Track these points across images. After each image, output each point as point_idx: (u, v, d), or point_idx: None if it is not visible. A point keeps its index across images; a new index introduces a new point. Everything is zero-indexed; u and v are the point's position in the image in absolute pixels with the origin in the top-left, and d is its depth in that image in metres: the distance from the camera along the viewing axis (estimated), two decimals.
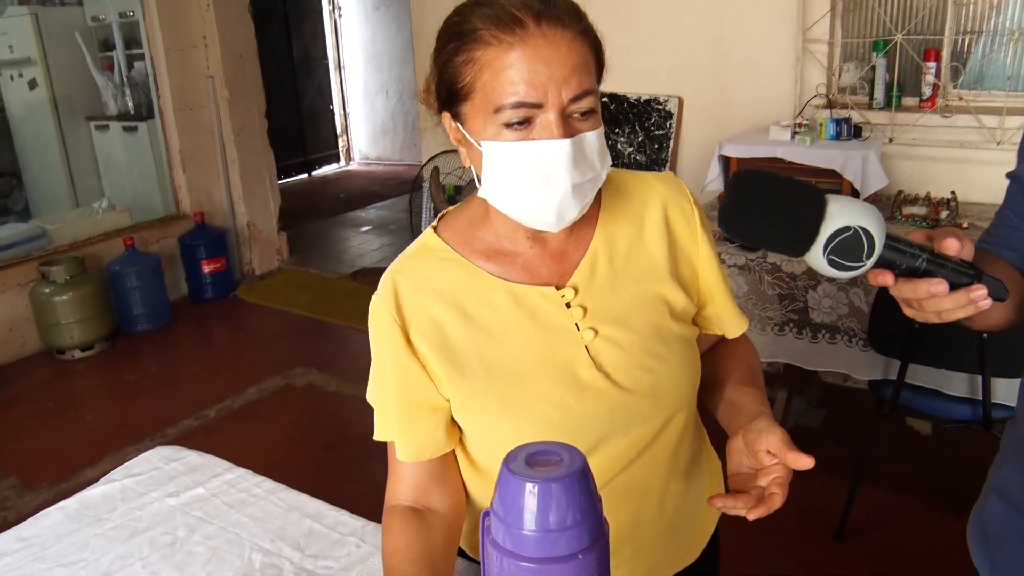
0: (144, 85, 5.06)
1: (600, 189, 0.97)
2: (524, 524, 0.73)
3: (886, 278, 0.77)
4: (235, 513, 1.41)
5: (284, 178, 5.74)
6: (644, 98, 3.93)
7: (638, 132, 3.98)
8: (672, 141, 3.93)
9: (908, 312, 0.81)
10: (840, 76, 3.38)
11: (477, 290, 1.02)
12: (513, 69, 0.87)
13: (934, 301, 0.76)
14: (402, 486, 1.07)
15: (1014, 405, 2.34)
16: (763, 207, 0.77)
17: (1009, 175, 1.06)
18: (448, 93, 0.94)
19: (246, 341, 4.66)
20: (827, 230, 0.75)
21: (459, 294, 1.02)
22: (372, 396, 1.08)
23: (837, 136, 3.06)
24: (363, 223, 6.80)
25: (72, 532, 1.40)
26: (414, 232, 3.83)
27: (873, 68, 3.26)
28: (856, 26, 3.36)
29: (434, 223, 1.09)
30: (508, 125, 0.89)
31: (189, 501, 1.46)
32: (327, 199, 7.67)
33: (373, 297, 1.03)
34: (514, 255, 1.02)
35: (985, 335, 2.19)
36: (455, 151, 3.38)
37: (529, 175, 0.90)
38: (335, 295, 5.12)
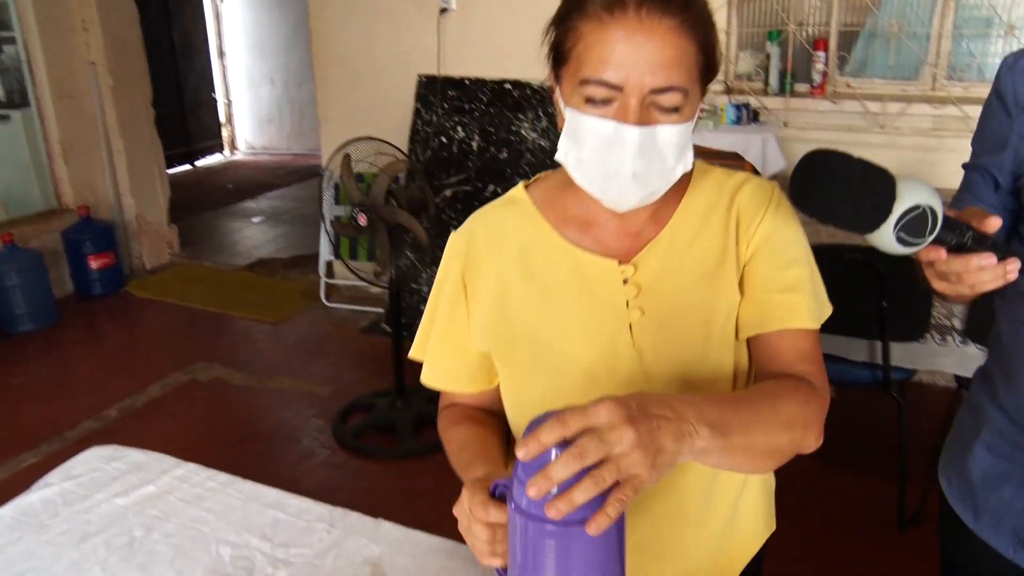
0: (16, 70, 4.74)
1: (688, 179, 0.98)
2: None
3: (940, 253, 0.82)
4: (193, 509, 1.37)
5: (167, 168, 5.51)
6: (548, 84, 3.99)
7: (542, 118, 4.03)
8: None
9: (939, 286, 0.87)
10: (737, 63, 3.53)
11: (545, 250, 1.05)
12: (604, 47, 0.88)
13: (976, 274, 0.82)
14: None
15: (909, 367, 2.54)
16: (840, 186, 0.81)
17: (965, 165, 1.14)
18: (554, 53, 0.97)
19: (142, 337, 4.48)
20: (899, 208, 0.80)
21: (528, 249, 1.06)
22: (423, 318, 1.16)
23: (737, 120, 3.21)
24: (254, 213, 6.61)
25: (14, 542, 1.33)
26: (323, 219, 3.77)
27: (768, 56, 3.42)
28: (751, 16, 3.52)
29: (527, 181, 1.12)
30: (589, 99, 0.91)
31: (140, 500, 1.41)
32: (215, 190, 7.41)
33: (453, 233, 1.12)
34: (591, 224, 1.05)
35: (885, 304, 2.35)
36: (366, 138, 3.31)
37: (596, 150, 0.92)
38: (232, 288, 4.97)
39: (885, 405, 2.62)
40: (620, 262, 1.03)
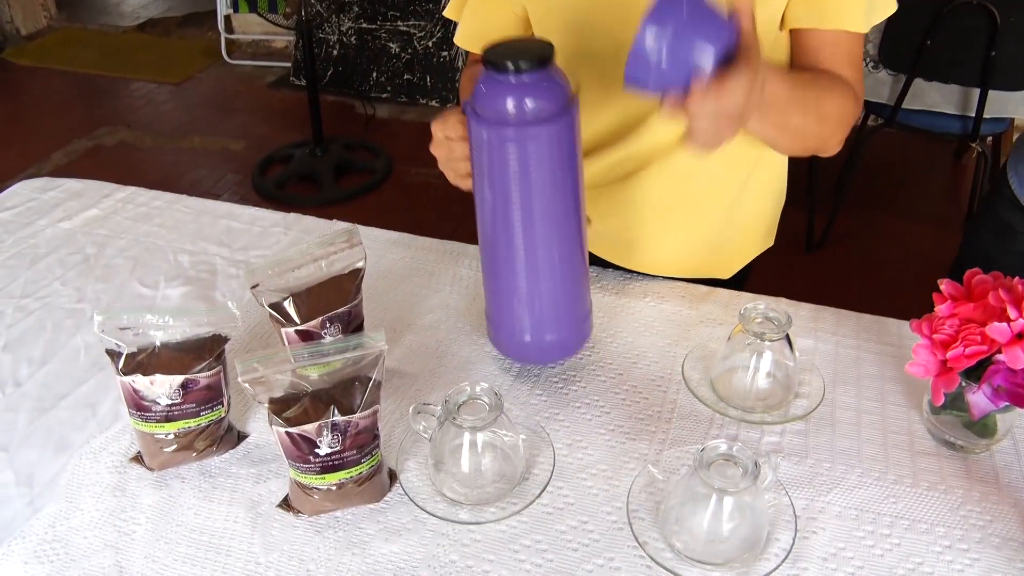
0: None
1: None
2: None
3: None
4: (143, 225, 1.37)
5: None
6: None
7: None
8: None
9: None
10: None
11: None
12: None
13: None
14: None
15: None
16: None
17: None
18: None
19: (34, 107, 4.21)
20: None
21: None
22: None
23: None
24: None
25: None
26: None
27: None
28: None
29: None
30: None
31: (86, 223, 1.40)
32: None
33: None
34: None
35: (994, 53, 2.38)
36: None
37: None
38: (125, 50, 4.66)
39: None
40: None
